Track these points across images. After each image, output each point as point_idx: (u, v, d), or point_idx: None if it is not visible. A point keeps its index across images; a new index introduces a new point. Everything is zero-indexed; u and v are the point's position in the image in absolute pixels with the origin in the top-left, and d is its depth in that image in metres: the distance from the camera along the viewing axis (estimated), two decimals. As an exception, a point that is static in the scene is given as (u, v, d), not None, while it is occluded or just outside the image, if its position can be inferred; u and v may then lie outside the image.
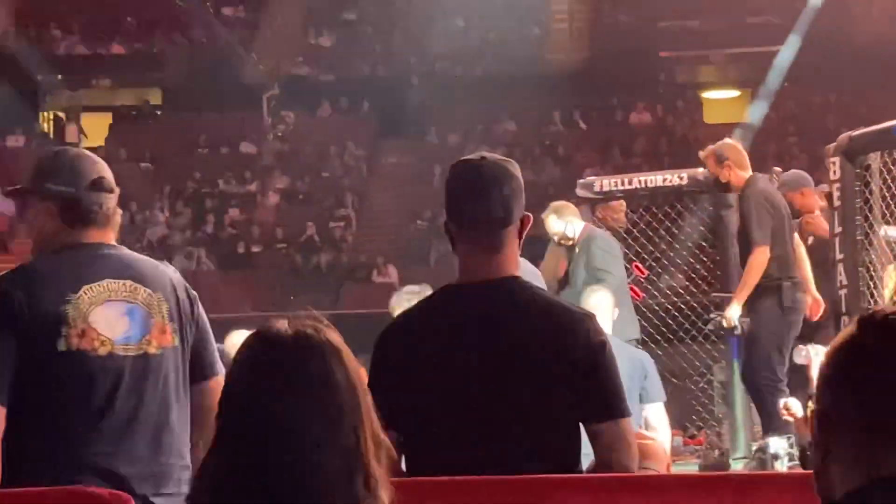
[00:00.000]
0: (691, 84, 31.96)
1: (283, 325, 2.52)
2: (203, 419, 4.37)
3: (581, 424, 4.06)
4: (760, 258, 9.18)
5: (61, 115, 32.29)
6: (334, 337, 2.52)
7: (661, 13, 30.51)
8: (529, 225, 4.19)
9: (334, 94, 31.03)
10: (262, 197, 29.72)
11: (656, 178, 10.82)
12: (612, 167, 25.02)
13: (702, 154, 9.94)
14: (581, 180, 11.11)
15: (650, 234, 10.87)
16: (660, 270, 10.93)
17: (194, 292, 4.56)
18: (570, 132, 30.00)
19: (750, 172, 9.41)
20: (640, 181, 10.84)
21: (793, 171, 10.36)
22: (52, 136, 31.82)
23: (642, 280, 10.77)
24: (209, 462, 2.48)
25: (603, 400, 4.06)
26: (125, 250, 4.51)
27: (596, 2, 32.15)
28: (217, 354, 4.60)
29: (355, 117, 30.78)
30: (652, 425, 8.01)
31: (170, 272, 4.57)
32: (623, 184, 10.74)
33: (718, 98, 31.78)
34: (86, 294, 4.28)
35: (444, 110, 28.43)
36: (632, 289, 10.02)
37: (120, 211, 4.56)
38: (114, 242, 4.47)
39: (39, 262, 4.54)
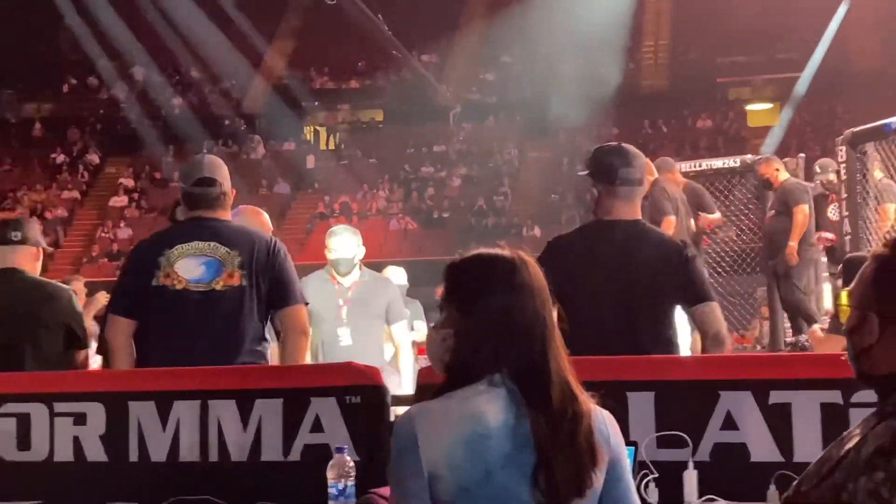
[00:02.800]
0: (738, 100, 31.31)
1: (506, 250, 2.54)
2: (284, 336, 4.63)
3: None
4: (667, 227, 8.85)
5: (318, 128, 32.64)
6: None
7: (717, 52, 29.93)
8: (644, 192, 4.56)
9: (496, 111, 30.98)
10: (449, 180, 29.78)
11: (717, 162, 10.92)
12: (684, 158, 24.67)
13: None
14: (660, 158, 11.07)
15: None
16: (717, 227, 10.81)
17: (279, 249, 4.59)
18: (656, 134, 29.56)
19: (655, 176, 9.28)
20: (707, 164, 10.91)
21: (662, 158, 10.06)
22: (312, 142, 32.19)
23: (707, 232, 10.69)
24: (459, 343, 2.45)
25: (695, 291, 4.24)
26: (225, 223, 4.61)
27: (672, 44, 31.67)
28: (292, 291, 4.57)
29: (510, 126, 30.64)
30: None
31: (257, 236, 4.60)
32: (695, 166, 10.75)
33: (757, 109, 31.06)
34: (177, 250, 4.45)
35: (570, 120, 28.20)
36: (703, 240, 9.91)
37: (229, 194, 4.67)
38: (218, 217, 4.57)
39: (163, 230, 4.89)
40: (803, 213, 9.34)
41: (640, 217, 4.39)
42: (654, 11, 32.11)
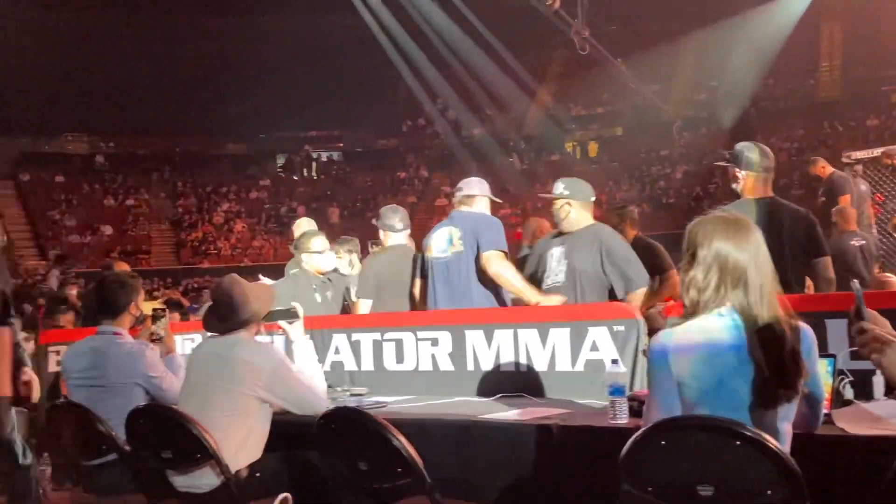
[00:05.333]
0: (898, 103, 28.54)
1: (726, 213, 2.46)
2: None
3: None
4: (845, 202, 8.06)
5: (574, 143, 32.32)
6: None
7: (881, 66, 27.26)
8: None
9: (707, 123, 29.52)
10: (673, 175, 28.78)
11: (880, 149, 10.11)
12: (856, 149, 22.75)
13: None
14: (845, 152, 10.28)
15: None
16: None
17: (487, 222, 4.74)
18: (833, 133, 27.29)
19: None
20: (875, 152, 10.16)
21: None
22: (572, 153, 31.95)
23: (879, 203, 9.87)
24: (690, 282, 2.39)
25: (814, 248, 4.07)
26: (463, 212, 4.88)
27: (844, 62, 29.19)
28: (485, 243, 4.66)
29: (719, 133, 29.05)
30: None
31: (476, 216, 4.84)
32: (868, 153, 10.01)
33: (915, 108, 28.19)
34: (434, 233, 4.85)
35: (762, 126, 26.68)
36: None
37: (474, 197, 4.91)
38: (462, 210, 4.89)
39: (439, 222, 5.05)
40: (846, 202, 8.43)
41: (773, 194, 4.29)
42: (829, 38, 29.76)
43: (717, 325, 2.32)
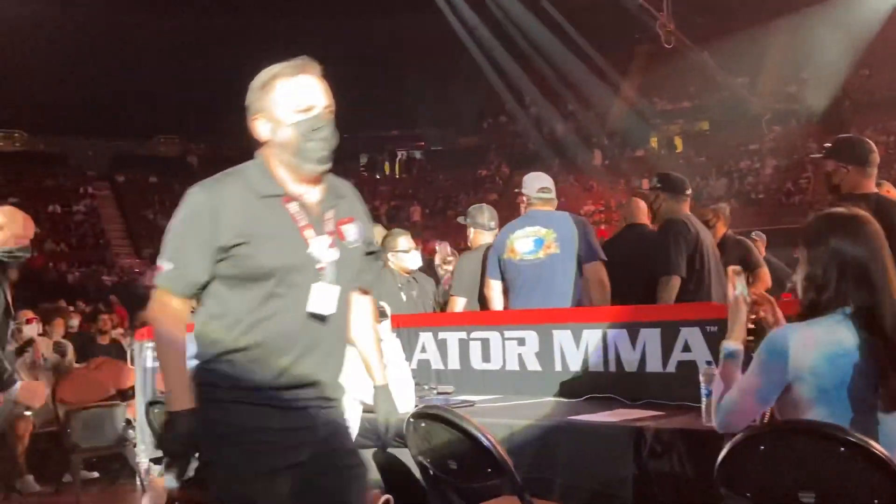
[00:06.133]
0: None
1: (846, 208, 2.37)
2: (591, 287, 4.66)
3: None
4: None
5: (659, 138, 31.72)
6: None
7: None
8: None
9: (798, 115, 28.57)
10: (762, 170, 27.99)
11: None
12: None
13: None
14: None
15: None
16: None
17: (583, 225, 4.72)
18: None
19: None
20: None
21: None
22: (657, 150, 31.40)
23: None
24: (807, 280, 2.33)
25: None
26: (548, 212, 4.82)
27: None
28: (591, 251, 4.63)
29: (810, 127, 28.10)
30: None
31: (568, 217, 4.78)
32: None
33: None
34: (515, 234, 4.74)
35: (855, 119, 25.71)
36: None
37: (554, 195, 4.89)
38: (544, 209, 4.82)
39: (511, 222, 4.91)
40: None
41: (876, 190, 4.10)
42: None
43: (841, 325, 2.26)
